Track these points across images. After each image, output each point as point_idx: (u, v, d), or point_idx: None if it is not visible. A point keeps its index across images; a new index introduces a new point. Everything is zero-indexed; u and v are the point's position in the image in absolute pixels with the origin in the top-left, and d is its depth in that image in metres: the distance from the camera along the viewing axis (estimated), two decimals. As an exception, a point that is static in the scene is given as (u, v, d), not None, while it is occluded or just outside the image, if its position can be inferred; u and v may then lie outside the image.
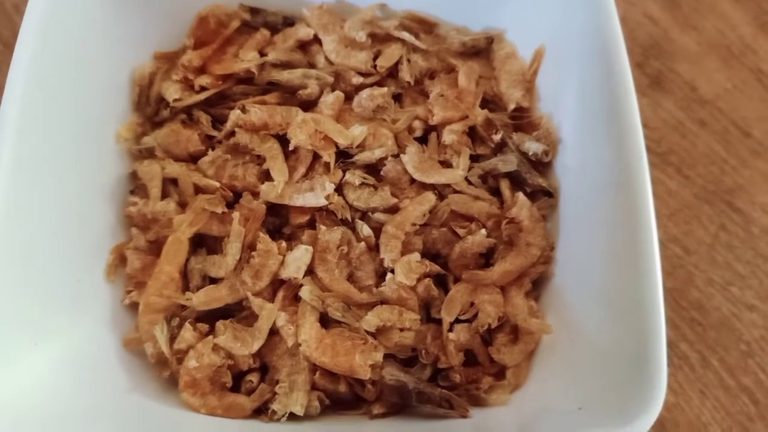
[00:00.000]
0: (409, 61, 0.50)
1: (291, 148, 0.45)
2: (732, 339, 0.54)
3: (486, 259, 0.46)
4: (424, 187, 0.46)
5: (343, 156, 0.47)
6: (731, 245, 0.57)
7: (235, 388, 0.43)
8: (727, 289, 0.56)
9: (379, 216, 0.45)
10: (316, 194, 0.45)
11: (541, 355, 0.45)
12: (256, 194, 0.46)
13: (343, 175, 0.46)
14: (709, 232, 0.58)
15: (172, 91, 0.49)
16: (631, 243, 0.39)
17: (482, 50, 0.52)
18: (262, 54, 0.51)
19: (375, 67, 0.50)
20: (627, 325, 0.38)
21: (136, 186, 0.48)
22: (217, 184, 0.46)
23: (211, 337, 0.43)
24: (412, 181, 0.47)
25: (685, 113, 0.62)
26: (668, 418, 0.52)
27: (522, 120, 0.49)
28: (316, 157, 0.47)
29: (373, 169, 0.47)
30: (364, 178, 0.46)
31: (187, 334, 0.43)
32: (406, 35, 0.51)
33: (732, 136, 0.61)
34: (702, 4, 0.67)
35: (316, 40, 0.51)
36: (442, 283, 0.45)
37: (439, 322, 0.44)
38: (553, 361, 0.44)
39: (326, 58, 0.51)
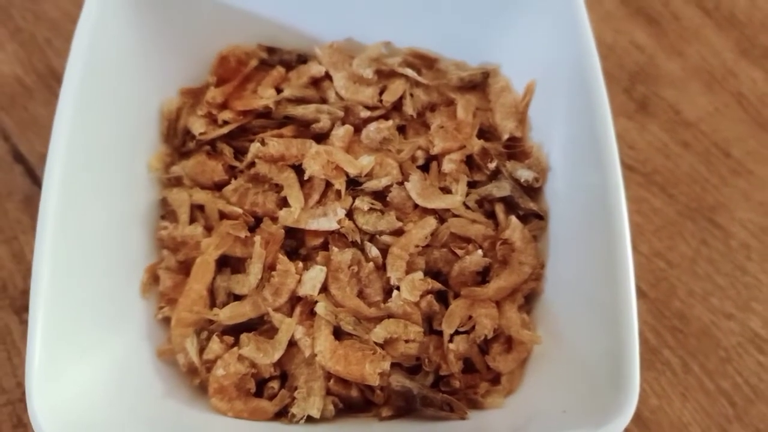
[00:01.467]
0: (411, 95, 0.55)
1: (306, 177, 0.50)
2: (711, 346, 0.59)
3: (482, 276, 0.51)
4: (426, 211, 0.51)
5: (353, 184, 0.52)
6: (712, 259, 0.62)
7: (258, 394, 0.48)
8: (707, 300, 0.60)
9: (385, 238, 0.50)
10: (329, 219, 0.50)
11: (532, 363, 0.49)
12: (275, 219, 0.51)
13: (353, 202, 0.51)
14: (691, 247, 0.62)
15: (197, 126, 0.54)
16: (608, 262, 0.44)
17: (479, 84, 0.57)
18: (278, 90, 0.56)
19: (381, 101, 0.55)
20: (605, 336, 0.43)
21: (166, 212, 0.54)
22: (240, 211, 0.51)
23: (236, 348, 0.48)
24: (416, 206, 0.51)
25: (670, 135, 0.67)
26: (652, 420, 0.57)
27: (515, 149, 0.54)
28: (328, 185, 0.51)
29: (380, 195, 0.51)
30: (372, 204, 0.51)
31: (215, 345, 0.48)
32: (409, 71, 0.56)
33: (713, 156, 0.66)
34: (686, 31, 0.72)
35: (327, 76, 0.57)
36: (442, 298, 0.50)
37: (440, 333, 0.49)
38: (543, 368, 0.48)
39: (337, 94, 0.56)
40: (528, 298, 0.51)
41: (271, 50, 0.57)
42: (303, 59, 0.58)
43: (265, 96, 0.55)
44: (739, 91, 0.69)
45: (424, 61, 0.58)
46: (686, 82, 0.69)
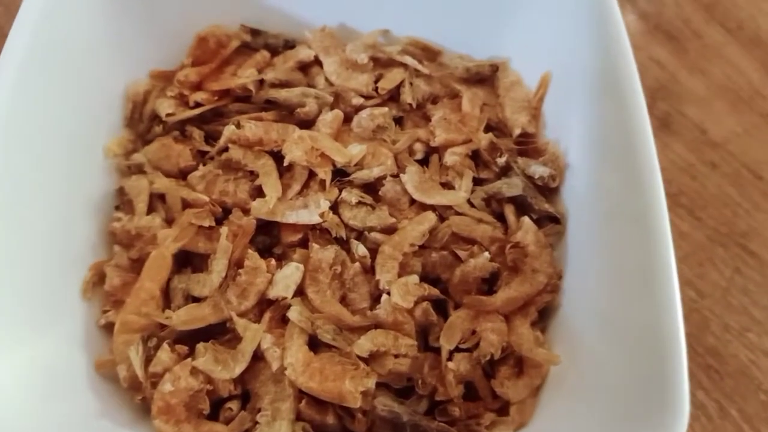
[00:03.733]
0: (411, 84, 0.49)
1: (285, 163, 0.43)
2: (751, 388, 0.51)
3: (489, 285, 0.43)
4: (424, 208, 0.44)
5: (341, 175, 0.45)
6: (747, 289, 0.54)
7: (214, 417, 0.40)
8: (744, 335, 0.52)
9: (375, 236, 0.42)
10: (310, 211, 0.42)
11: (548, 391, 0.41)
12: (246, 211, 0.43)
13: (340, 194, 0.44)
14: (723, 276, 0.55)
15: (165, 106, 0.47)
16: (646, 274, 0.36)
17: (486, 78, 0.51)
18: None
19: (377, 90, 0.49)
20: (643, 359, 0.35)
21: (121, 202, 0.46)
22: (206, 199, 0.43)
23: (189, 359, 0.40)
24: (412, 202, 0.44)
25: (695, 155, 0.60)
26: (685, 472, 0.48)
27: (527, 145, 0.47)
28: (311, 175, 0.44)
29: (371, 189, 0.45)
30: (362, 198, 0.43)
31: (164, 355, 0.40)
32: (408, 59, 0.50)
33: (744, 179, 0.59)
34: (709, 49, 0.66)
35: (317, 62, 0.50)
36: (441, 310, 0.42)
37: (437, 351, 0.41)
38: (562, 397, 0.40)
39: (326, 80, 0.49)
40: (543, 313, 0.43)
41: (255, 32, 0.51)
42: (291, 45, 0.52)
43: (244, 75, 0.48)
44: (769, 112, 0.63)
45: (426, 53, 0.52)
46: (711, 101, 0.63)
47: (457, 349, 0.41)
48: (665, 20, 0.68)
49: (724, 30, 0.68)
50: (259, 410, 0.39)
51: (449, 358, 0.40)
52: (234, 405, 0.39)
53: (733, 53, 0.66)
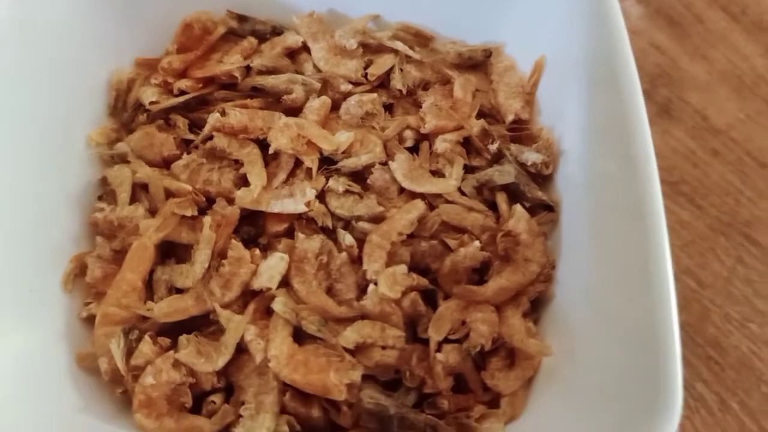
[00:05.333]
0: (401, 70, 0.48)
1: (271, 151, 0.42)
2: (753, 380, 0.49)
3: (480, 276, 0.42)
4: (414, 196, 0.43)
5: (328, 163, 0.43)
6: (749, 279, 0.53)
7: (196, 410, 0.39)
8: (746, 326, 0.51)
9: (363, 225, 0.41)
10: (296, 200, 0.41)
11: (540, 383, 0.40)
12: (231, 201, 0.42)
13: (327, 183, 0.42)
14: (725, 266, 0.53)
15: (149, 94, 0.46)
16: (642, 266, 0.35)
17: (480, 64, 0.49)
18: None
19: (366, 76, 0.47)
20: (638, 353, 0.34)
21: (104, 192, 0.45)
22: (189, 188, 0.42)
23: (171, 352, 0.39)
24: (401, 191, 0.43)
25: (697, 142, 0.59)
26: (684, 467, 0.47)
27: (520, 132, 0.46)
28: (298, 164, 0.43)
29: (359, 177, 0.43)
30: (349, 186, 0.42)
31: (146, 347, 0.39)
32: (399, 45, 0.48)
33: (747, 167, 0.58)
34: (712, 35, 0.65)
35: (305, 48, 0.49)
36: (430, 300, 0.41)
37: (425, 342, 0.40)
38: (555, 390, 0.39)
39: (315, 66, 0.48)
40: (535, 304, 0.42)
41: (242, 18, 0.50)
42: (278, 31, 0.50)
43: (230, 62, 0.47)
44: (773, 98, 0.61)
45: (418, 38, 0.51)
46: (713, 87, 0.62)
47: (447, 341, 0.40)
48: (666, 4, 0.66)
49: (728, 15, 0.66)
50: (243, 403, 0.38)
51: (438, 350, 0.39)
52: (217, 398, 0.39)
53: (736, 38, 0.65)
